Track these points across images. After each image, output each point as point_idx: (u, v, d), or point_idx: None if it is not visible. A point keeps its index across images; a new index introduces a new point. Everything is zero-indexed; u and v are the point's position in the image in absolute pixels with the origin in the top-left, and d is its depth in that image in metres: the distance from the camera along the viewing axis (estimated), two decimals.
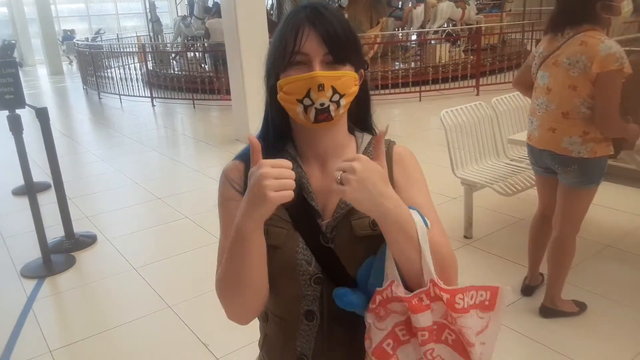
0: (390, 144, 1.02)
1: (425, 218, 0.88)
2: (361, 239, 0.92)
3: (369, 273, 0.91)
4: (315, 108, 0.89)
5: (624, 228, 3.53)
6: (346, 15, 5.37)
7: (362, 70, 0.97)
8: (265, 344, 1.06)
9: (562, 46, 2.32)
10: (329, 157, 0.98)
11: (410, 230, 0.83)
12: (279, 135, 0.99)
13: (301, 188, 0.95)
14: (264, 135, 1.01)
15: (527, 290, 2.81)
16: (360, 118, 1.03)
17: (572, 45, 2.27)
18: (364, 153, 0.97)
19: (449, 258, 0.89)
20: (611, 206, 3.70)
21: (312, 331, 0.96)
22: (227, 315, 0.97)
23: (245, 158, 1.00)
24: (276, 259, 0.95)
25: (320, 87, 0.88)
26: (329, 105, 0.90)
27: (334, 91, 0.89)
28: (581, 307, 2.63)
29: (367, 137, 1.02)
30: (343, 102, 0.91)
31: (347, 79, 0.91)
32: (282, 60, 0.91)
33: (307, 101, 0.89)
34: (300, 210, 0.94)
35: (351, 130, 1.03)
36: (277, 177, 0.80)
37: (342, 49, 0.90)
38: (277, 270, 0.95)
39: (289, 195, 0.81)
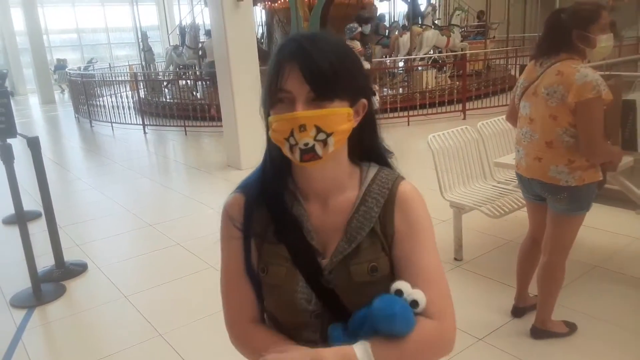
0: (395, 182, 0.97)
1: (416, 298, 0.86)
2: (360, 284, 0.92)
3: (361, 324, 0.89)
4: (300, 148, 0.86)
5: (611, 248, 3.57)
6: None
7: (364, 100, 0.93)
8: None
9: (540, 76, 2.36)
10: (329, 194, 0.96)
11: None
12: (278, 169, 0.98)
13: (301, 226, 0.95)
14: (264, 169, 1.00)
15: (517, 311, 2.82)
16: (367, 147, 0.99)
17: (549, 76, 2.31)
18: (368, 188, 0.95)
19: (423, 347, 0.87)
20: (598, 227, 3.75)
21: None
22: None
23: (245, 190, 1.01)
24: (276, 297, 0.96)
25: (302, 128, 0.85)
26: (313, 145, 0.86)
27: (319, 130, 0.86)
28: (571, 327, 2.65)
29: (372, 169, 0.98)
30: (332, 140, 0.87)
31: (336, 117, 0.87)
32: (270, 97, 0.90)
33: (291, 140, 0.87)
34: (300, 248, 0.94)
35: (354, 161, 0.99)
36: None
37: (327, 85, 0.86)
38: (278, 307, 0.97)
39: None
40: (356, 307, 0.91)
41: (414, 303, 0.86)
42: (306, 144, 0.86)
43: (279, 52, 0.89)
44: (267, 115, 0.93)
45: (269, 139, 0.96)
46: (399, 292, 0.86)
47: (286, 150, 0.89)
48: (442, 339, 0.90)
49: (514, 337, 2.66)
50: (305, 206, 0.96)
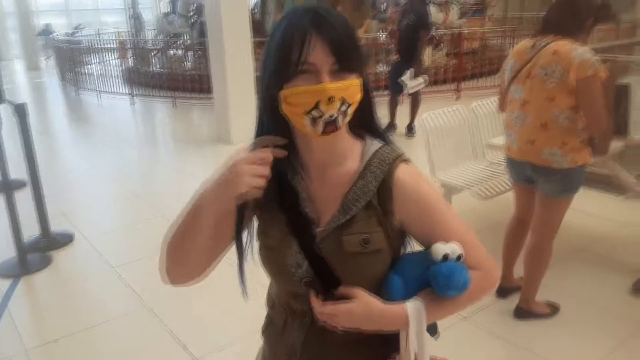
0: (395, 161, 0.95)
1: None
2: (350, 254, 0.93)
3: (417, 282, 0.95)
4: (324, 120, 0.87)
5: (597, 232, 3.62)
6: None
7: (364, 73, 0.94)
8: (268, 329, 1.11)
9: (534, 57, 2.35)
10: (328, 166, 0.97)
11: (404, 326, 0.93)
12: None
13: (297, 194, 0.96)
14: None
15: (501, 292, 2.85)
16: (365, 121, 1.00)
17: (545, 56, 2.30)
18: (368, 162, 0.95)
19: (475, 295, 0.97)
20: (586, 211, 3.78)
21: (304, 327, 1.00)
22: (162, 276, 1.03)
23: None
24: (270, 259, 1.00)
25: (331, 100, 0.85)
26: (337, 117, 0.87)
27: (343, 102, 0.87)
28: (554, 308, 2.70)
29: (375, 145, 0.98)
30: (350, 110, 0.89)
31: (354, 88, 0.89)
32: (285, 69, 0.87)
33: (315, 113, 0.86)
34: (297, 216, 0.95)
35: (360, 135, 0.99)
36: (254, 173, 0.85)
37: (349, 57, 0.87)
38: (272, 269, 1.01)
39: (257, 192, 0.86)
40: (347, 277, 0.93)
41: (460, 257, 0.92)
42: (331, 116, 0.87)
43: (298, 22, 0.87)
44: (277, 89, 0.89)
45: (265, 113, 0.95)
46: (446, 257, 0.91)
47: (305, 124, 0.88)
48: (489, 283, 1.00)
49: (499, 317, 2.70)
50: (304, 176, 0.98)
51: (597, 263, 3.22)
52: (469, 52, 10.23)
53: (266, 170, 0.87)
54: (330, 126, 0.88)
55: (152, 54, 11.68)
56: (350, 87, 0.88)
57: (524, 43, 2.45)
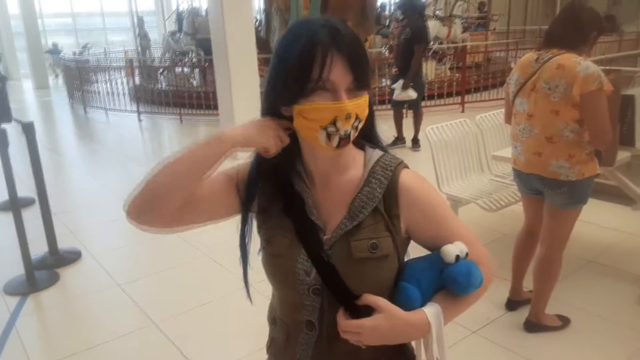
0: (398, 167, 0.98)
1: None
2: (358, 260, 0.93)
3: (431, 286, 0.96)
4: (340, 136, 0.89)
5: (606, 243, 3.58)
6: None
7: (370, 89, 0.97)
8: (272, 346, 1.10)
9: (537, 71, 2.35)
10: (332, 174, 0.99)
11: (425, 334, 0.93)
12: (288, 152, 0.99)
13: (303, 202, 0.97)
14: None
15: (510, 304, 2.83)
16: (366, 131, 1.02)
17: (549, 70, 2.30)
18: (372, 169, 0.97)
19: (482, 291, 0.98)
20: (594, 222, 3.76)
21: (311, 341, 0.99)
22: (130, 211, 0.99)
23: (257, 162, 1.03)
24: (277, 267, 0.99)
25: (348, 117, 0.88)
26: (350, 132, 0.90)
27: (357, 118, 0.90)
28: (564, 321, 2.66)
29: (377, 153, 1.00)
30: (360, 125, 0.92)
31: (365, 104, 0.92)
32: (303, 85, 0.87)
33: (331, 129, 0.88)
34: (303, 222, 0.96)
35: (361, 145, 1.02)
36: (278, 134, 0.94)
37: (364, 74, 0.90)
38: (278, 278, 1.00)
39: (274, 151, 0.94)
40: (354, 283, 0.93)
41: (467, 254, 0.95)
42: (346, 131, 0.90)
43: (314, 37, 0.86)
44: (289, 102, 0.90)
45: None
46: (458, 257, 0.93)
47: (320, 138, 0.90)
48: (489, 279, 1.00)
49: (508, 330, 2.67)
50: (307, 183, 0.99)
51: (606, 274, 3.19)
52: (472, 66, 10.28)
53: (286, 138, 0.94)
54: (344, 141, 0.91)
55: (159, 72, 11.82)
56: (363, 104, 0.91)
57: (528, 56, 2.46)
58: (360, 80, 0.88)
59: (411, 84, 6.03)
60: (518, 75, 2.47)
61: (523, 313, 2.70)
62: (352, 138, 0.92)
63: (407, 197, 0.96)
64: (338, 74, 0.86)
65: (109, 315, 3.08)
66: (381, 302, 0.92)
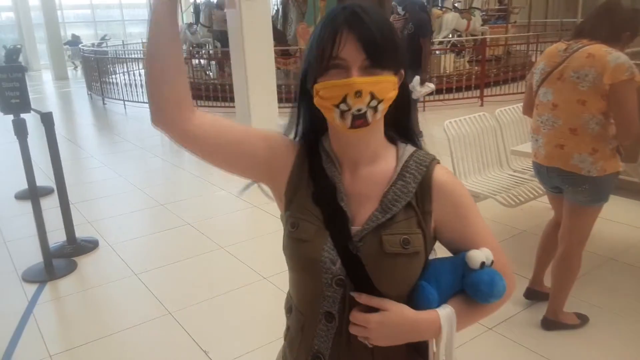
0: (432, 163, 0.97)
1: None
2: (390, 255, 0.91)
3: (450, 290, 0.95)
4: (352, 114, 0.88)
5: (627, 241, 3.51)
6: None
7: (402, 71, 0.95)
8: (288, 335, 1.09)
9: (566, 60, 2.30)
10: (361, 163, 0.97)
11: (436, 335, 0.93)
12: (315, 135, 1.01)
13: (335, 188, 0.96)
14: (294, 134, 1.04)
15: (529, 293, 2.79)
16: (399, 123, 1.01)
17: (578, 59, 2.25)
18: (403, 166, 0.96)
19: (502, 303, 0.97)
20: (614, 219, 3.68)
21: (330, 332, 0.97)
22: (152, 117, 0.97)
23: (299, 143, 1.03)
24: (302, 253, 0.97)
25: (358, 94, 0.87)
26: (366, 111, 0.88)
27: (372, 97, 0.88)
28: (583, 319, 2.62)
29: (410, 148, 0.99)
30: (381, 107, 0.90)
31: (386, 84, 0.90)
32: (319, 64, 0.90)
33: (343, 106, 0.88)
34: (333, 211, 0.95)
35: (393, 140, 1.01)
36: None
37: (381, 54, 0.88)
38: (302, 264, 0.98)
39: None
40: (382, 279, 0.92)
41: (492, 262, 0.93)
42: (359, 110, 0.88)
43: (334, 19, 0.90)
44: (312, 83, 0.93)
45: (302, 107, 1.00)
46: (483, 264, 0.91)
47: (335, 117, 0.90)
48: (511, 291, 0.99)
49: (525, 328, 2.63)
50: (339, 172, 0.98)
51: (626, 272, 3.12)
52: (492, 59, 10.13)
53: None
54: (359, 120, 0.89)
55: None
56: (382, 83, 0.89)
57: (556, 46, 2.41)
58: (376, 59, 0.88)
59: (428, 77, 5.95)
60: (544, 64, 2.42)
61: (541, 310, 2.65)
62: (369, 119, 0.89)
63: (440, 193, 0.95)
64: (349, 51, 0.87)
65: (125, 304, 3.11)
66: (385, 302, 0.91)
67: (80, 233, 3.95)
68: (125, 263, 3.58)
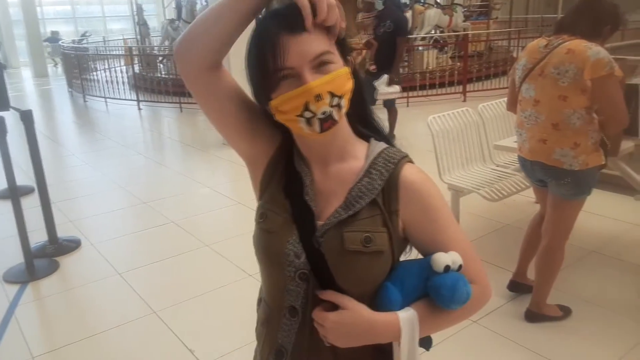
0: (401, 161, 0.94)
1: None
2: (350, 252, 0.90)
3: (414, 293, 0.92)
4: (319, 118, 0.85)
5: (609, 234, 3.57)
6: None
7: (349, 58, 0.92)
8: (257, 327, 1.08)
9: (547, 56, 2.32)
10: (331, 161, 0.96)
11: (396, 338, 0.90)
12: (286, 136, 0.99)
13: (303, 183, 0.95)
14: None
15: (512, 285, 2.83)
16: (358, 113, 0.97)
17: (558, 55, 2.27)
18: (371, 163, 0.94)
19: (470, 310, 0.95)
20: (597, 212, 3.74)
21: (294, 327, 0.96)
22: (177, 48, 0.92)
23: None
24: (267, 244, 0.96)
25: (318, 98, 0.84)
26: (331, 112, 0.86)
27: (332, 95, 0.85)
28: (566, 311, 2.66)
29: (380, 146, 0.97)
30: (343, 102, 0.87)
31: (341, 78, 0.87)
32: (266, 80, 0.87)
33: (307, 114, 0.85)
34: (301, 206, 0.94)
35: (367, 137, 0.99)
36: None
37: (326, 45, 0.85)
38: (266, 255, 0.97)
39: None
40: (344, 276, 0.90)
41: (460, 267, 0.90)
42: (324, 113, 0.85)
43: (266, 31, 0.86)
44: (264, 100, 0.90)
45: (268, 118, 0.95)
46: (447, 268, 0.88)
47: (302, 127, 0.87)
48: (484, 298, 0.97)
49: (509, 320, 2.66)
50: (308, 168, 0.97)
51: (609, 265, 3.18)
52: (474, 55, 10.21)
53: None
54: (327, 122, 0.86)
55: (158, 60, 11.74)
56: (337, 79, 0.86)
57: (537, 42, 2.43)
58: (325, 55, 0.85)
59: (396, 79, 5.64)
60: (525, 60, 2.44)
61: (524, 303, 2.69)
62: (336, 117, 0.87)
63: (408, 193, 0.92)
64: (295, 57, 0.83)
65: (109, 303, 3.07)
66: (346, 301, 0.89)
67: (62, 232, 3.89)
68: (109, 262, 3.54)
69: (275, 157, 0.99)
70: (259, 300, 1.07)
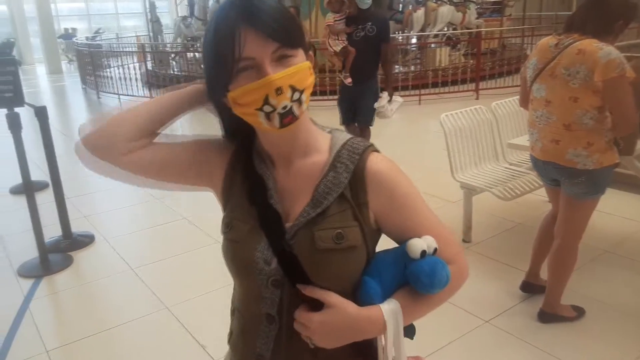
0: (366, 151, 0.91)
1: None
2: (322, 251, 0.87)
3: (393, 283, 0.91)
4: (279, 113, 0.82)
5: (623, 233, 3.53)
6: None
7: (310, 54, 0.88)
8: (232, 339, 1.06)
9: (557, 56, 2.28)
10: (294, 157, 0.92)
11: (382, 331, 0.88)
12: (244, 137, 0.96)
13: (265, 187, 0.92)
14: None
15: (525, 287, 2.81)
16: None
17: (569, 55, 2.23)
18: (335, 156, 0.91)
19: (451, 291, 0.93)
20: (610, 212, 3.70)
21: (271, 334, 0.94)
22: (88, 141, 0.96)
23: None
24: (234, 254, 0.94)
25: (279, 91, 0.80)
26: (291, 107, 0.82)
27: (294, 89, 0.82)
28: (579, 312, 2.63)
29: (344, 137, 0.94)
30: (304, 97, 0.84)
31: (303, 72, 0.84)
32: (224, 71, 0.82)
33: (267, 108, 0.81)
34: (266, 210, 0.91)
35: (328, 130, 0.97)
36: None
37: (291, 38, 0.82)
38: (236, 265, 0.95)
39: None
40: (319, 277, 0.87)
41: (435, 250, 0.89)
42: (285, 107, 0.82)
43: (226, 19, 0.82)
44: (221, 92, 0.86)
45: (222, 116, 0.96)
46: (424, 253, 0.87)
47: (261, 121, 0.84)
48: (461, 277, 0.96)
49: (521, 320, 2.64)
50: (270, 169, 0.93)
51: (622, 265, 3.14)
52: (487, 52, 10.13)
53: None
54: (287, 118, 0.83)
55: (171, 57, 11.81)
56: (299, 73, 0.83)
57: (547, 40, 2.39)
58: (285, 48, 0.81)
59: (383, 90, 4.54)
60: (536, 59, 2.40)
61: (537, 303, 2.67)
62: (297, 113, 0.83)
63: (375, 183, 0.89)
64: (255, 47, 0.80)
65: (122, 298, 3.10)
66: (332, 297, 0.86)
67: (76, 228, 3.93)
68: (122, 257, 3.57)
69: (231, 163, 0.97)
70: (233, 311, 1.05)
